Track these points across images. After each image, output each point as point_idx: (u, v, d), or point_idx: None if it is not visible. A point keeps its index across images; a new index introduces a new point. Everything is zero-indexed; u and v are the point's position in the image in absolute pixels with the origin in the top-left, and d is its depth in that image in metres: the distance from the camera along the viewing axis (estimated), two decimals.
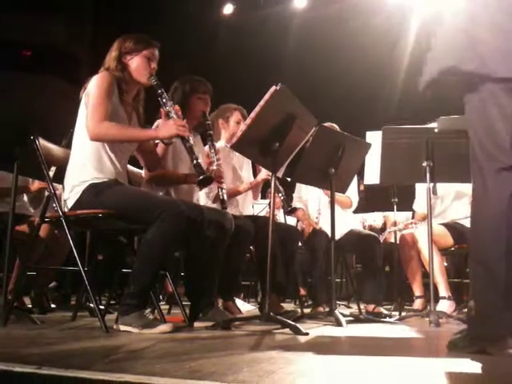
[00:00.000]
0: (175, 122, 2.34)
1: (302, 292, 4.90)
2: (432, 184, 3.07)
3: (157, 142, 2.74)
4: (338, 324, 2.59)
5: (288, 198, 3.41)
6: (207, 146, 3.00)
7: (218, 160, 2.83)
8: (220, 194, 2.88)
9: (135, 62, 2.43)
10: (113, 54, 2.44)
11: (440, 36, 1.71)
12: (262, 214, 4.45)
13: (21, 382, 1.14)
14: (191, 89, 2.95)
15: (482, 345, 1.56)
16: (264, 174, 3.28)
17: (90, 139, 2.29)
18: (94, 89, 2.29)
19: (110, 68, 2.40)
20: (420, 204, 4.00)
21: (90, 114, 2.27)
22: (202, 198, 3.25)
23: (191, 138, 2.45)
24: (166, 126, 2.35)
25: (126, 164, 2.51)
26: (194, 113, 2.91)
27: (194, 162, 2.42)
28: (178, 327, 2.19)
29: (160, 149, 2.67)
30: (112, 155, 2.36)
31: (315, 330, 2.43)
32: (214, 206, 3.25)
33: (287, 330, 2.19)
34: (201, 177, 2.41)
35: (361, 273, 4.37)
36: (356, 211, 4.09)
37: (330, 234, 2.95)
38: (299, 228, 3.78)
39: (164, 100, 2.45)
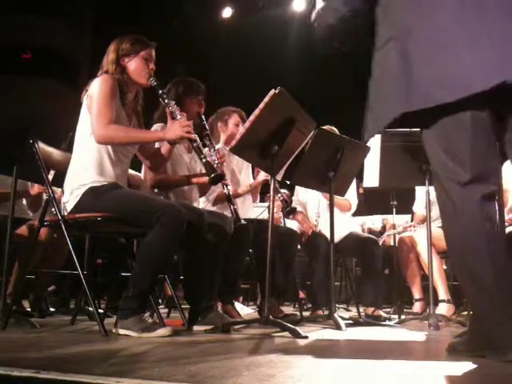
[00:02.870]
0: (181, 123, 2.34)
1: (302, 295, 4.90)
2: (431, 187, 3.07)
3: (157, 146, 2.74)
4: (338, 327, 2.58)
5: (288, 199, 3.41)
6: (206, 148, 2.99)
7: (219, 158, 2.82)
8: (225, 190, 2.87)
9: (134, 64, 2.43)
10: (110, 56, 2.44)
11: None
12: (261, 217, 4.45)
13: None
14: (185, 90, 2.94)
15: (482, 351, 1.56)
16: (263, 175, 3.28)
17: (98, 142, 2.29)
18: (97, 92, 2.29)
19: (110, 71, 2.40)
20: (419, 206, 4.01)
21: (97, 118, 2.27)
22: (202, 200, 3.25)
23: (197, 138, 2.45)
24: (173, 128, 2.36)
25: (126, 168, 2.51)
26: (188, 114, 2.90)
27: (203, 160, 2.43)
28: (177, 331, 2.18)
29: (165, 148, 2.66)
30: (114, 159, 2.36)
31: (314, 333, 2.43)
32: (214, 208, 3.26)
33: (286, 334, 2.19)
34: (212, 175, 2.40)
35: (360, 276, 4.37)
36: (355, 214, 4.09)
37: (329, 237, 2.95)
38: (298, 231, 3.78)
39: (166, 101, 2.46)
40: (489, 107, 1.54)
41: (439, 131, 1.60)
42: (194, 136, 2.41)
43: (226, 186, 2.87)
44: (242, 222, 2.85)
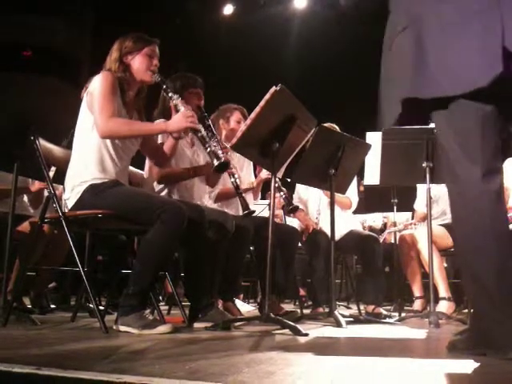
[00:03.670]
0: (184, 114, 2.34)
1: (302, 293, 4.91)
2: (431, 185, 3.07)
3: (160, 141, 2.74)
4: (338, 325, 2.59)
5: (289, 197, 3.40)
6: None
7: (223, 149, 2.81)
8: (232, 180, 2.86)
9: (137, 62, 2.43)
10: (113, 55, 2.43)
11: (388, 63, 1.69)
12: (262, 214, 4.45)
13: (20, 382, 1.14)
14: (182, 85, 2.93)
15: (482, 349, 1.56)
16: (265, 173, 3.28)
17: (101, 137, 2.29)
18: (98, 88, 2.29)
19: (113, 69, 2.39)
20: (420, 204, 4.01)
21: (99, 112, 2.27)
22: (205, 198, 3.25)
23: (202, 128, 2.45)
24: (176, 119, 2.36)
25: (127, 165, 2.50)
26: None
27: (208, 149, 2.43)
28: (177, 328, 2.18)
29: (169, 143, 2.66)
30: (114, 156, 2.36)
31: (315, 330, 2.43)
32: (215, 206, 3.26)
33: (287, 331, 2.19)
34: (216, 163, 2.40)
35: (360, 273, 4.37)
36: (356, 212, 4.09)
37: (329, 234, 2.95)
38: (299, 229, 3.78)
39: (170, 94, 2.46)
40: (496, 105, 1.54)
41: (453, 123, 1.59)
42: (199, 126, 2.41)
43: (233, 175, 2.86)
44: (251, 209, 2.85)
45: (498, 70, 1.41)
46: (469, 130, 1.56)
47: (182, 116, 2.34)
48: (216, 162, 2.39)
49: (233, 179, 2.86)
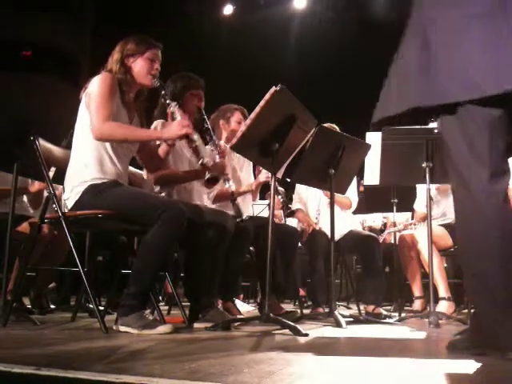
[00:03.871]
0: (179, 123, 2.34)
1: (302, 293, 4.90)
2: (431, 185, 3.07)
3: (158, 143, 2.74)
4: (338, 325, 2.59)
5: (288, 200, 3.41)
6: (208, 146, 2.98)
7: (220, 153, 2.80)
8: (227, 185, 2.86)
9: (138, 65, 2.42)
10: (115, 56, 2.43)
11: (396, 65, 1.69)
12: (261, 214, 4.45)
13: (20, 382, 1.14)
14: (183, 86, 2.93)
15: (483, 349, 1.56)
16: (264, 176, 3.27)
17: (95, 139, 2.28)
18: (96, 89, 2.28)
19: (113, 70, 2.39)
20: (420, 204, 4.01)
21: (95, 114, 2.26)
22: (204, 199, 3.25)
23: (196, 138, 2.46)
24: (171, 127, 2.36)
25: (127, 165, 2.50)
26: (188, 109, 2.86)
27: (200, 161, 2.47)
28: (177, 328, 2.18)
29: (163, 149, 2.67)
30: (113, 156, 2.35)
31: (315, 330, 2.43)
32: (214, 206, 3.25)
33: (287, 331, 2.19)
34: (207, 176, 2.47)
35: (360, 274, 4.37)
36: (355, 212, 4.09)
37: (329, 234, 2.95)
38: (299, 229, 3.78)
39: (168, 101, 2.46)
40: (504, 109, 1.55)
41: (462, 128, 1.59)
42: (194, 136, 2.41)
43: (228, 181, 2.86)
44: (244, 217, 2.86)
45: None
46: (477, 135, 1.56)
47: (178, 125, 2.33)
48: (206, 176, 2.48)
49: (228, 185, 2.85)
